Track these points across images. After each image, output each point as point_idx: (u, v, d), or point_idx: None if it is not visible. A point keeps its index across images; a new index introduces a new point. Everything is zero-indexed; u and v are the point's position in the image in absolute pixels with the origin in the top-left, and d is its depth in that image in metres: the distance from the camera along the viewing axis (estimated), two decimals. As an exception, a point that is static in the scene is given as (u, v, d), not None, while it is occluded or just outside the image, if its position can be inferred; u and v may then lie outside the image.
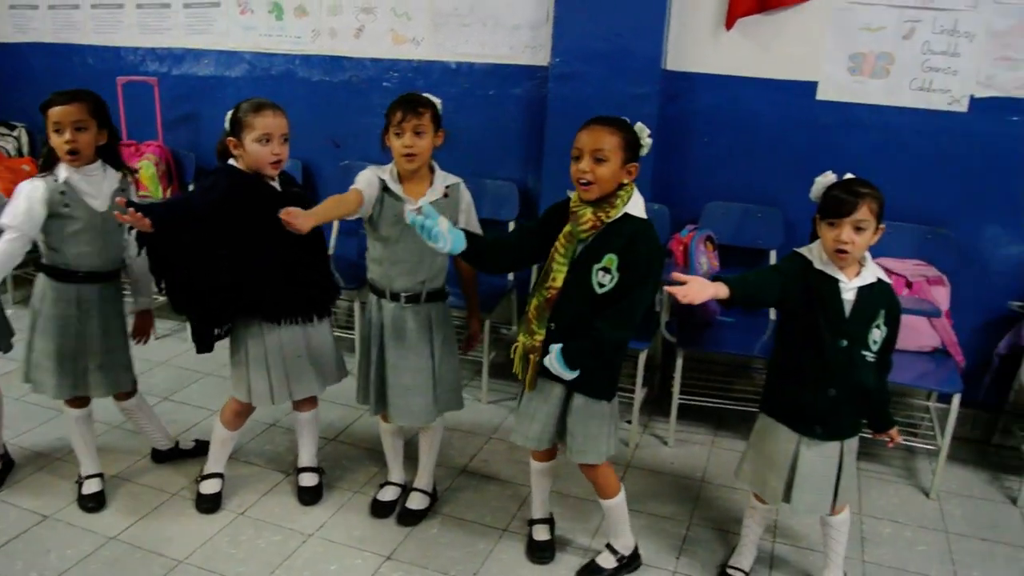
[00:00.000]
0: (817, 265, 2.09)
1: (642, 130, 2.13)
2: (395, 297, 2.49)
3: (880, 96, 3.24)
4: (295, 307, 2.55)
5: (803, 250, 2.15)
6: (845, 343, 2.06)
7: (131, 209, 2.07)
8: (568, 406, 2.25)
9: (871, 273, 2.09)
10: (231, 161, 2.45)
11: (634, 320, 2.12)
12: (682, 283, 1.90)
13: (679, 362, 3.17)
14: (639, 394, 3.24)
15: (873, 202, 1.99)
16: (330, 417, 3.38)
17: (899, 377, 2.72)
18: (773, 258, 3.45)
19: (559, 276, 2.14)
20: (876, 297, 2.08)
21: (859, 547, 2.66)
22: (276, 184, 2.49)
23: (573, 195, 2.15)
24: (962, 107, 3.15)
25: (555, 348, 2.10)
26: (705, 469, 3.13)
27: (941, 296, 3.04)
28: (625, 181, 2.11)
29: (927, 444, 3.14)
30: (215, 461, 2.80)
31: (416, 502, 2.78)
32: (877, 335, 2.09)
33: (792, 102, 3.35)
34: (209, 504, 2.76)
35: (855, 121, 3.28)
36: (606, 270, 2.10)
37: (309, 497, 2.84)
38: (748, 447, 2.35)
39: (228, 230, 2.37)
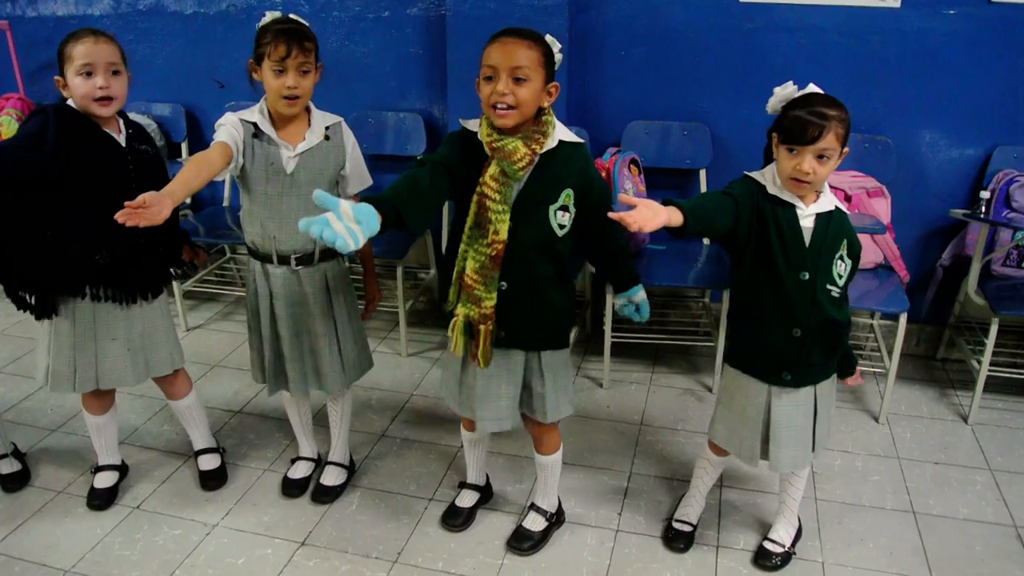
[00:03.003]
0: (771, 190, 1.84)
1: (553, 43, 1.81)
2: (283, 260, 2.17)
3: (809, -6, 2.97)
4: (113, 282, 2.17)
5: (755, 174, 1.89)
6: (807, 276, 1.83)
7: None
8: (531, 368, 2.01)
9: (828, 200, 1.85)
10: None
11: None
12: (630, 207, 1.58)
13: (609, 298, 2.94)
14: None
15: (840, 126, 1.73)
16: (234, 386, 3.08)
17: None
18: (703, 179, 3.21)
19: (502, 227, 1.81)
20: (835, 226, 1.84)
21: (810, 483, 2.49)
22: (120, 138, 2.12)
23: (479, 124, 1.83)
24: (895, 3, 2.91)
25: (636, 291, 2.09)
26: (643, 412, 2.93)
27: (882, 209, 2.86)
28: (545, 104, 1.81)
29: (873, 367, 2.99)
30: (101, 451, 2.49)
31: (331, 477, 2.52)
32: (842, 268, 1.86)
33: (713, 6, 3.07)
34: (99, 500, 2.45)
35: (781, 24, 3.03)
36: (564, 208, 1.84)
37: (212, 482, 2.56)
38: (717, 404, 2.13)
39: (68, 183, 2.01)
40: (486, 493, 2.44)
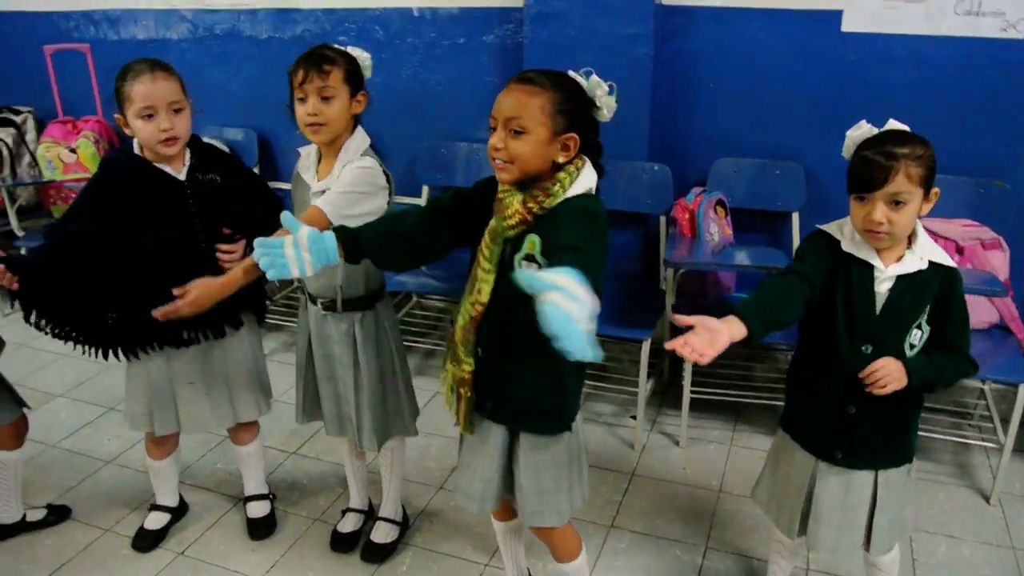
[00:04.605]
0: (846, 246, 1.61)
1: (596, 85, 1.55)
2: (314, 301, 2.07)
3: (918, 24, 2.71)
4: (185, 324, 2.05)
5: (830, 227, 1.66)
6: (869, 349, 1.59)
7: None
8: (513, 453, 1.73)
9: (920, 255, 1.59)
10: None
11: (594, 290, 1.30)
12: (687, 326, 1.37)
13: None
14: (643, 388, 2.79)
15: (914, 165, 1.50)
16: (292, 424, 2.94)
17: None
18: (795, 223, 2.96)
19: (484, 287, 1.58)
20: (920, 288, 1.59)
21: (909, 572, 2.21)
22: (181, 172, 2.03)
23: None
24: (1018, 33, 2.63)
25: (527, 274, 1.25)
26: (723, 476, 2.68)
27: (999, 263, 2.56)
28: (560, 159, 1.54)
29: (984, 440, 2.68)
30: (159, 492, 2.43)
31: (381, 534, 2.36)
32: (916, 337, 1.61)
33: (812, 36, 2.84)
34: (144, 542, 2.37)
35: (888, 56, 2.77)
36: (529, 258, 1.51)
37: (260, 530, 2.45)
38: (765, 464, 1.92)
39: (113, 234, 1.98)
40: None
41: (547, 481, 1.72)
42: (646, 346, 2.70)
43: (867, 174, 1.51)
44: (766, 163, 2.97)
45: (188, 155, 2.06)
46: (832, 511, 1.72)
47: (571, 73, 1.56)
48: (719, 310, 2.77)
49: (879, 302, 1.59)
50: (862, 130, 1.59)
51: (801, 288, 1.58)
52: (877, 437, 1.67)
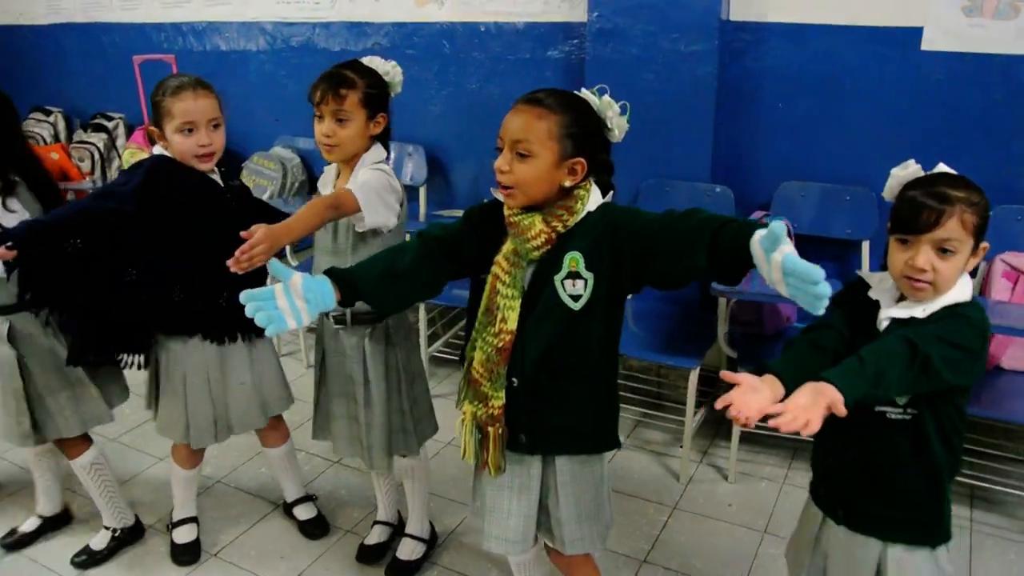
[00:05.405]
0: (873, 292, 1.46)
1: (608, 106, 1.50)
2: (326, 313, 2.02)
3: (1006, 43, 2.50)
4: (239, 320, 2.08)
5: (871, 275, 1.50)
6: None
7: None
8: (546, 483, 1.67)
9: (925, 307, 1.39)
10: (158, 149, 2.04)
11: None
12: (734, 384, 1.24)
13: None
14: (690, 417, 2.67)
15: (970, 212, 1.34)
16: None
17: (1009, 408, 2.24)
18: (865, 252, 2.78)
19: (511, 315, 1.54)
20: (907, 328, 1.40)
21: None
22: (217, 177, 2.07)
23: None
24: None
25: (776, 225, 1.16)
26: (771, 516, 2.53)
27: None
28: (567, 184, 1.49)
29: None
30: (182, 505, 2.41)
31: (407, 551, 2.33)
32: None
33: (890, 55, 2.66)
34: (188, 555, 2.39)
35: (972, 76, 2.56)
36: (574, 276, 1.50)
37: (316, 530, 2.50)
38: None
39: (155, 229, 1.96)
40: None
41: (586, 504, 1.67)
42: (694, 375, 2.59)
43: (915, 214, 1.35)
44: (835, 188, 2.80)
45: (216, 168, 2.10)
46: (841, 573, 1.57)
47: (584, 92, 1.52)
48: (776, 341, 2.66)
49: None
50: (909, 170, 1.43)
51: (831, 341, 1.42)
52: (877, 500, 1.49)
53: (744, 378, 1.24)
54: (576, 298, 1.51)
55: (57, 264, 1.86)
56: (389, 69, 1.97)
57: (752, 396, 1.22)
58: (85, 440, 2.29)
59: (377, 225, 1.88)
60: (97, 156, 4.27)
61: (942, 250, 1.35)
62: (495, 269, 1.57)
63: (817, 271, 1.10)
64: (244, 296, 1.37)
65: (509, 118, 1.49)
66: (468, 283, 1.68)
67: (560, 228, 1.50)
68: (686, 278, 1.43)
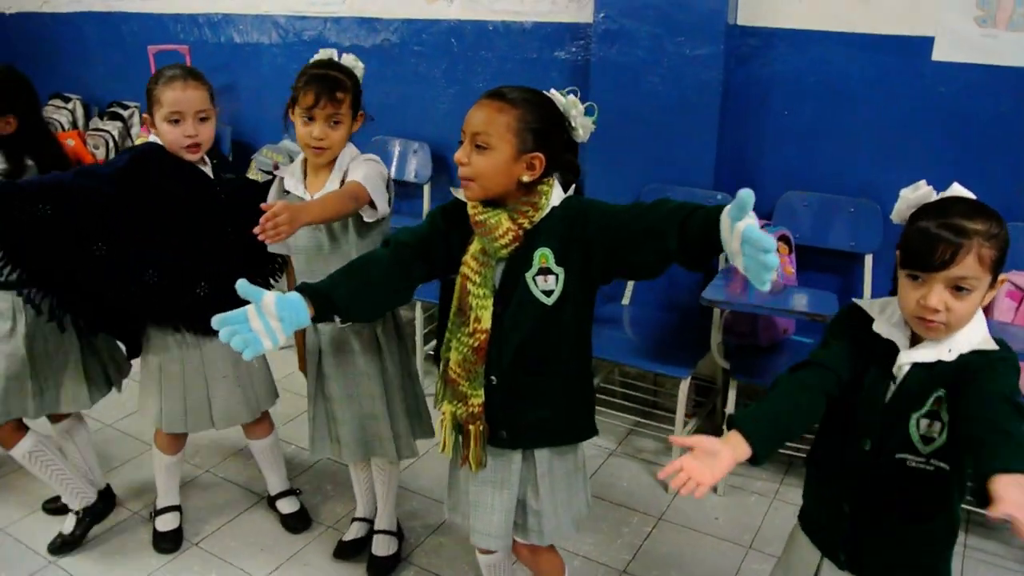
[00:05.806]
0: (878, 327, 1.36)
1: (572, 105, 1.52)
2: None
3: (1020, 55, 2.43)
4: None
5: (867, 303, 1.42)
6: (868, 445, 1.36)
7: None
8: (525, 476, 1.67)
9: (950, 347, 1.30)
10: (153, 138, 2.04)
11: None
12: (686, 448, 1.20)
13: (731, 395, 2.55)
14: (680, 427, 2.63)
15: (987, 246, 1.22)
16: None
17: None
18: (868, 266, 2.72)
19: (484, 314, 1.54)
20: (932, 382, 1.31)
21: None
22: (207, 169, 2.07)
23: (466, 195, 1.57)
24: None
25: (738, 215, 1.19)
26: (757, 531, 2.48)
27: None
28: (525, 179, 1.49)
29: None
30: (165, 493, 2.42)
31: (382, 547, 2.32)
32: (928, 427, 1.32)
33: (899, 64, 2.59)
34: (168, 543, 2.40)
35: (982, 88, 2.49)
36: (545, 271, 1.51)
37: (299, 524, 2.50)
38: (784, 549, 1.70)
39: (140, 215, 1.96)
40: None
41: (561, 492, 1.69)
42: (685, 384, 2.55)
43: (928, 250, 1.22)
44: (840, 199, 2.74)
45: (207, 157, 2.09)
46: None
47: (551, 92, 1.53)
48: (771, 354, 2.61)
49: (890, 391, 1.34)
50: (920, 192, 1.31)
51: (821, 383, 1.34)
52: (887, 546, 1.41)
53: (698, 441, 1.19)
54: (548, 293, 1.52)
55: (25, 227, 1.84)
56: (356, 64, 1.97)
57: (707, 463, 1.16)
58: (19, 429, 2.25)
59: (385, 214, 1.90)
60: (112, 144, 4.31)
61: (957, 287, 1.24)
62: (464, 269, 1.57)
63: (770, 240, 1.13)
64: (217, 321, 1.36)
65: (471, 112, 1.49)
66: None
67: (526, 224, 1.51)
68: (657, 266, 1.43)
